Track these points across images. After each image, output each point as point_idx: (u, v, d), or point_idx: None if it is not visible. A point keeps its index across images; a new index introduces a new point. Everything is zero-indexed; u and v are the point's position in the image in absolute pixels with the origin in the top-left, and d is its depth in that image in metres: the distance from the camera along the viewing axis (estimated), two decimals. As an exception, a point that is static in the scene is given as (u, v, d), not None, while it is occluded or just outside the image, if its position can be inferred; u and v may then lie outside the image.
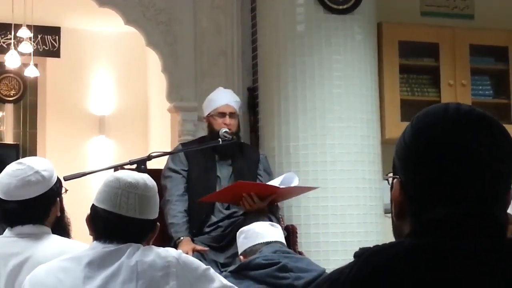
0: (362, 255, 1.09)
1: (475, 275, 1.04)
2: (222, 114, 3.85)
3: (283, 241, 2.89)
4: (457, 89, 5.00)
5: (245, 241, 2.87)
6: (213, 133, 3.85)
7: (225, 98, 3.92)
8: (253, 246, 2.82)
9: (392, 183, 1.18)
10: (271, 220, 3.38)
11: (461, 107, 1.14)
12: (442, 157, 1.10)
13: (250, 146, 4.24)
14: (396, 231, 1.19)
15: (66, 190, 2.45)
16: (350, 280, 1.06)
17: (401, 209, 1.16)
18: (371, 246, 1.11)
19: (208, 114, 3.91)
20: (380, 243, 1.12)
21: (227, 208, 3.80)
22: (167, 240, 3.58)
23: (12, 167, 2.29)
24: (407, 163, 1.14)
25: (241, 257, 2.85)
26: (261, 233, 2.84)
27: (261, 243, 2.81)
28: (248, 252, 2.82)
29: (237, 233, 2.98)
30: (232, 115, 3.87)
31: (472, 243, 1.06)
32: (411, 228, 1.13)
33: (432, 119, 1.14)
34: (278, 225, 3.00)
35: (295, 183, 3.66)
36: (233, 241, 3.53)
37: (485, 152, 1.10)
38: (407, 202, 1.14)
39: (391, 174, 1.19)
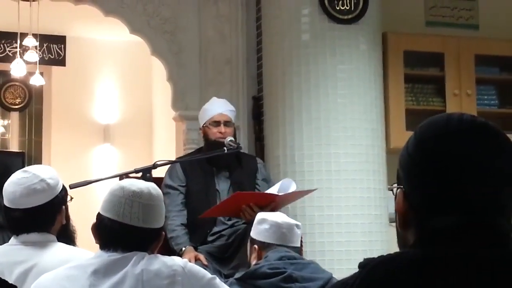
0: (367, 265, 1.09)
1: (479, 285, 1.04)
2: (217, 123, 3.84)
3: (299, 244, 2.83)
4: (462, 99, 5.00)
5: (268, 234, 2.74)
6: (208, 143, 3.84)
7: (219, 107, 3.91)
8: (276, 245, 2.73)
9: (397, 193, 1.18)
10: None
11: (463, 117, 1.14)
12: (445, 167, 1.10)
13: (247, 155, 4.20)
14: (401, 241, 1.20)
15: (71, 198, 2.45)
16: None
17: (405, 219, 1.16)
18: (376, 256, 1.11)
19: (203, 124, 3.90)
20: (384, 252, 1.13)
21: (229, 219, 3.79)
22: (172, 253, 3.57)
23: (17, 175, 2.30)
24: (410, 173, 1.14)
25: (256, 246, 2.77)
26: (287, 235, 2.76)
27: (283, 245, 2.74)
28: (266, 246, 2.74)
29: (260, 216, 2.84)
30: (227, 123, 3.85)
31: (476, 253, 1.06)
32: (415, 238, 1.13)
33: (435, 129, 1.14)
34: (301, 225, 2.90)
35: (292, 188, 3.64)
36: (236, 252, 3.53)
37: (488, 161, 1.10)
38: (410, 212, 1.14)
39: (395, 185, 1.19)
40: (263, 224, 2.79)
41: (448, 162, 1.10)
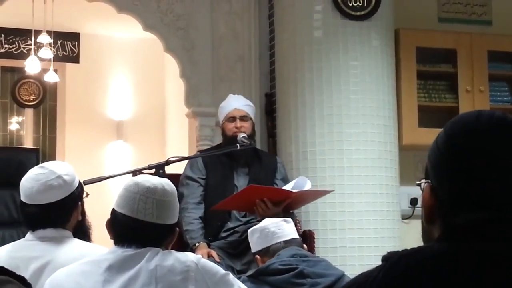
0: (390, 258, 1.10)
1: (502, 282, 1.04)
2: (233, 118, 3.86)
3: (297, 235, 2.87)
4: (475, 95, 4.98)
5: (260, 241, 2.82)
6: (226, 139, 3.86)
7: (234, 103, 3.94)
8: (269, 246, 2.79)
9: (424, 187, 1.19)
10: None
11: (494, 114, 1.15)
12: (474, 163, 1.11)
13: (267, 153, 4.24)
14: (426, 235, 1.20)
15: (87, 194, 2.47)
16: (377, 283, 1.07)
17: (431, 214, 1.17)
18: (400, 250, 1.12)
19: (222, 122, 3.93)
20: (396, 249, 1.13)
21: (244, 216, 3.80)
22: (185, 246, 3.60)
23: (34, 171, 2.32)
24: (439, 168, 1.15)
25: (258, 256, 2.83)
26: (276, 232, 2.80)
27: (277, 242, 2.78)
28: (264, 252, 2.79)
29: (249, 231, 2.93)
30: (243, 118, 3.87)
31: (501, 249, 1.07)
32: (441, 233, 1.14)
33: (465, 125, 1.15)
34: (290, 220, 2.94)
35: (307, 187, 3.64)
36: (249, 248, 3.53)
37: None
38: (437, 206, 1.15)
39: (423, 180, 1.20)
40: (254, 235, 2.87)
41: (477, 158, 1.11)
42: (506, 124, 1.13)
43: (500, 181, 1.10)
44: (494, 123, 1.13)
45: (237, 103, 3.94)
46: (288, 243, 2.77)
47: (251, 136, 3.87)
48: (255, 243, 2.86)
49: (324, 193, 3.87)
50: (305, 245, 2.96)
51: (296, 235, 2.86)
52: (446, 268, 1.05)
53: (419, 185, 1.22)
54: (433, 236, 1.16)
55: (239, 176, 3.85)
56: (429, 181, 1.18)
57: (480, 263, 1.05)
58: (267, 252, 2.78)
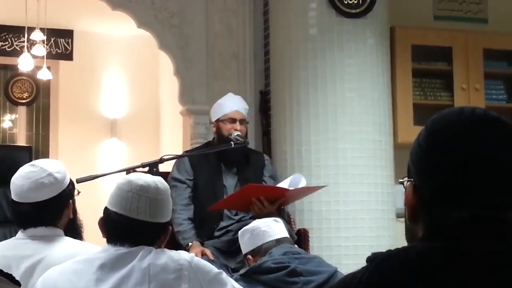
0: (375, 259, 1.09)
1: (486, 279, 1.03)
2: (233, 120, 3.85)
3: (287, 235, 2.88)
4: (470, 94, 4.98)
5: (252, 241, 2.83)
6: (221, 138, 3.84)
7: (235, 104, 3.92)
8: (261, 245, 2.79)
9: (406, 186, 1.18)
10: None
11: (475, 111, 1.14)
12: (455, 161, 1.10)
13: (254, 151, 4.24)
14: (409, 234, 1.20)
15: (78, 192, 2.46)
16: (363, 284, 1.07)
17: (414, 213, 1.16)
18: (384, 250, 1.11)
19: (217, 119, 3.91)
20: (392, 248, 1.12)
21: (236, 214, 3.80)
22: (178, 246, 3.58)
23: (25, 169, 2.30)
24: (420, 166, 1.14)
25: (250, 256, 2.83)
26: (267, 231, 2.81)
27: (269, 241, 2.78)
28: (256, 252, 2.79)
29: (240, 232, 2.94)
30: (242, 121, 3.88)
31: (484, 247, 1.06)
32: (424, 232, 1.13)
33: (447, 122, 1.14)
34: (280, 220, 2.96)
35: (302, 184, 3.66)
36: (243, 245, 3.54)
37: (499, 155, 1.09)
38: (420, 205, 1.14)
39: (406, 178, 1.19)
40: (245, 236, 2.88)
41: (458, 154, 1.09)
42: (488, 120, 1.12)
43: (482, 178, 1.09)
44: (476, 118, 1.12)
45: (239, 105, 3.93)
46: (280, 241, 2.77)
47: (244, 138, 3.88)
48: (246, 244, 2.85)
49: (317, 188, 3.87)
50: (296, 245, 2.96)
51: (287, 235, 2.86)
52: (430, 268, 1.04)
53: (401, 183, 1.21)
54: (417, 235, 1.15)
55: (227, 176, 3.85)
56: (411, 179, 1.16)
57: (463, 262, 1.05)
58: (259, 251, 2.77)
